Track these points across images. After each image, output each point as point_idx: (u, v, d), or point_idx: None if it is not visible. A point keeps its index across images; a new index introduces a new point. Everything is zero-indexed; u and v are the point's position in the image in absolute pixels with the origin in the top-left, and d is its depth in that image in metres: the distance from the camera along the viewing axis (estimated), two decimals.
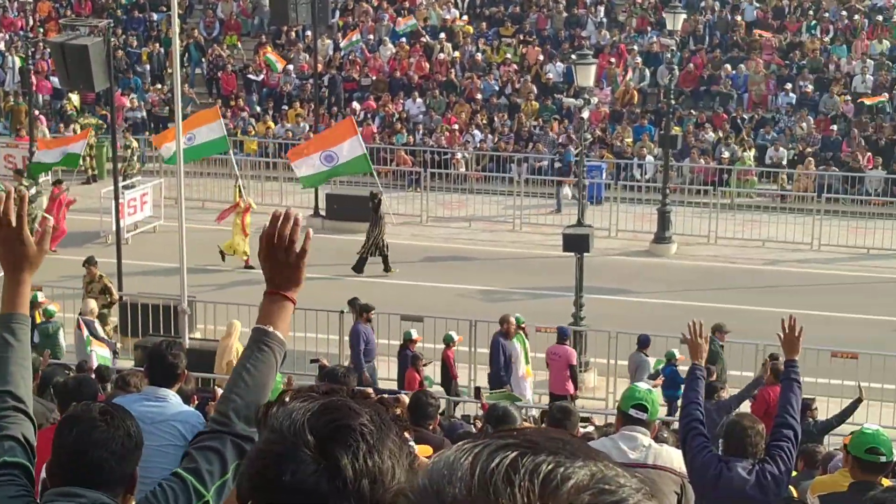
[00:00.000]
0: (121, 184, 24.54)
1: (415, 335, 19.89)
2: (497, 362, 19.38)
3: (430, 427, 10.33)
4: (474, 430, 13.81)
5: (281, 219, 3.55)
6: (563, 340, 19.67)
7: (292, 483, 2.06)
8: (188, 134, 26.53)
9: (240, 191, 27.66)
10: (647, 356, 19.25)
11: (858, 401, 16.50)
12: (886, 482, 7.42)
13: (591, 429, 13.89)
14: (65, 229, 27.66)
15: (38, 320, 19.72)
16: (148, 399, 7.91)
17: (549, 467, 1.28)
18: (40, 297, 20.37)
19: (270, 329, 3.69)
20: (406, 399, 13.01)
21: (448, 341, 19.86)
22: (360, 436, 2.08)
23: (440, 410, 12.68)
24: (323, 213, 30.87)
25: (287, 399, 2.18)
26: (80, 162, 31.97)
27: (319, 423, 2.09)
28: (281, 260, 3.57)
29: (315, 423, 2.09)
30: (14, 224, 3.68)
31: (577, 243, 22.39)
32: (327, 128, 31.51)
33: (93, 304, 20.35)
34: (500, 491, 1.26)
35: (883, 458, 7.29)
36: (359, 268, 26.80)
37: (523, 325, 20.13)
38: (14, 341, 3.81)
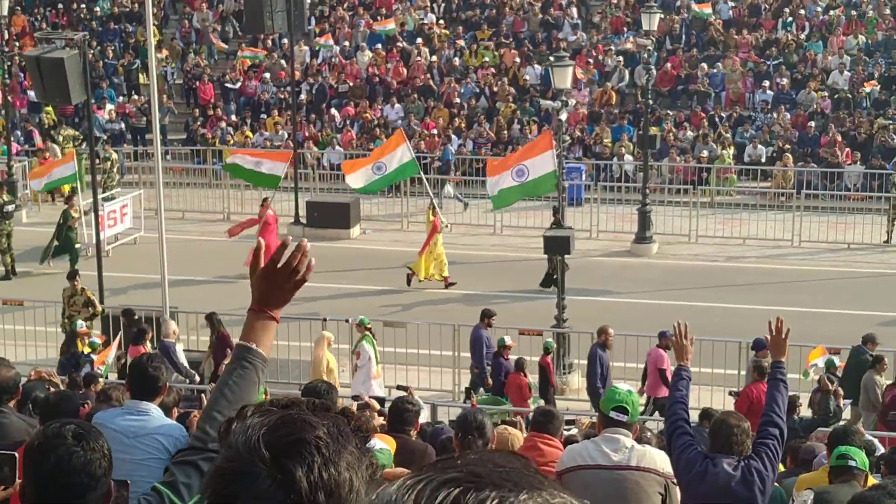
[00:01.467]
0: (100, 196, 24.44)
1: (508, 341, 19.67)
2: (594, 374, 19.11)
3: (411, 433, 10.29)
4: None
5: (295, 250, 3.62)
6: (659, 343, 19.37)
7: (248, 498, 2.07)
8: (377, 163, 26.18)
9: (434, 210, 26.78)
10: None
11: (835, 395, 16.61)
12: (872, 480, 7.45)
13: (574, 431, 13.87)
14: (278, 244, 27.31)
15: (81, 349, 19.43)
16: (130, 413, 7.87)
17: (493, 503, 1.24)
18: (80, 325, 20.00)
19: (254, 346, 3.70)
20: (375, 403, 13.08)
21: (548, 348, 19.69)
22: (316, 448, 2.08)
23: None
24: (303, 220, 30.83)
25: (247, 414, 2.18)
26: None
27: (274, 437, 2.09)
28: (278, 284, 3.60)
29: (270, 437, 2.09)
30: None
31: (557, 245, 22.39)
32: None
33: (174, 326, 19.89)
34: None
35: (852, 463, 7.39)
36: (547, 283, 25.60)
37: (369, 326, 20.10)
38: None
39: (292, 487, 2.05)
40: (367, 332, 20.02)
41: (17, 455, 3.91)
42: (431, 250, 26.02)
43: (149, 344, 19.51)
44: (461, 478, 1.27)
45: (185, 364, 19.45)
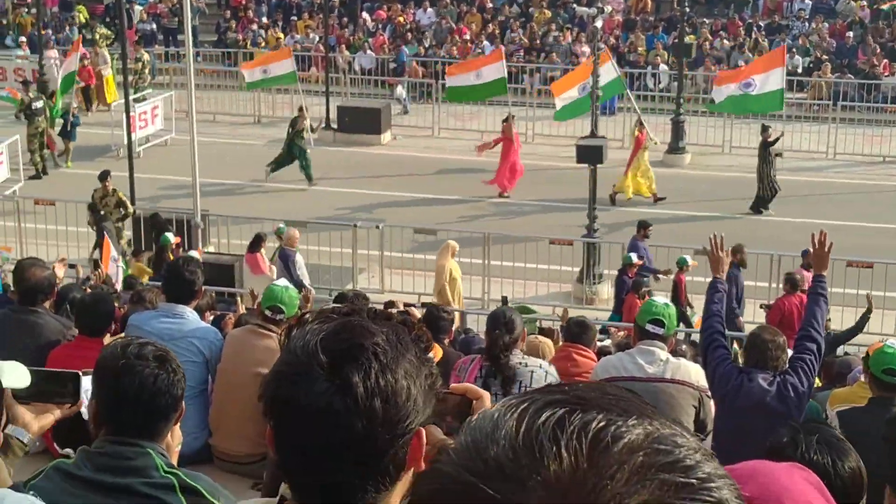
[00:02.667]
0: (132, 97, 24.36)
1: (635, 259, 19.28)
2: (728, 293, 18.44)
3: (445, 341, 10.32)
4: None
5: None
6: (802, 262, 18.34)
7: (305, 402, 2.07)
8: (583, 84, 24.14)
9: (642, 125, 25.82)
10: None
11: (868, 312, 16.48)
12: None
13: (608, 342, 13.87)
14: (519, 166, 26.12)
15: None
16: (165, 316, 7.91)
17: (600, 425, 1.20)
18: (171, 238, 19.48)
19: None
20: (415, 311, 13.03)
21: (682, 264, 19.13)
22: (373, 355, 2.09)
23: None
24: (334, 125, 30.68)
25: (307, 320, 2.18)
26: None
27: (332, 342, 2.10)
28: None
29: (328, 343, 2.10)
30: None
31: (590, 154, 22.19)
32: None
33: (296, 233, 19.42)
34: (545, 450, 1.19)
35: None
36: (757, 207, 25.01)
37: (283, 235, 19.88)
38: None
39: (348, 392, 2.06)
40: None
41: (80, 373, 3.92)
42: (637, 166, 25.48)
43: (263, 251, 19.58)
44: (567, 400, 1.24)
45: (305, 274, 19.18)
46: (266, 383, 2.16)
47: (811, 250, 7.79)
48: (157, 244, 19.69)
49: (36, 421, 3.92)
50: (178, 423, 3.91)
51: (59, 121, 28.34)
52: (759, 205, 24.99)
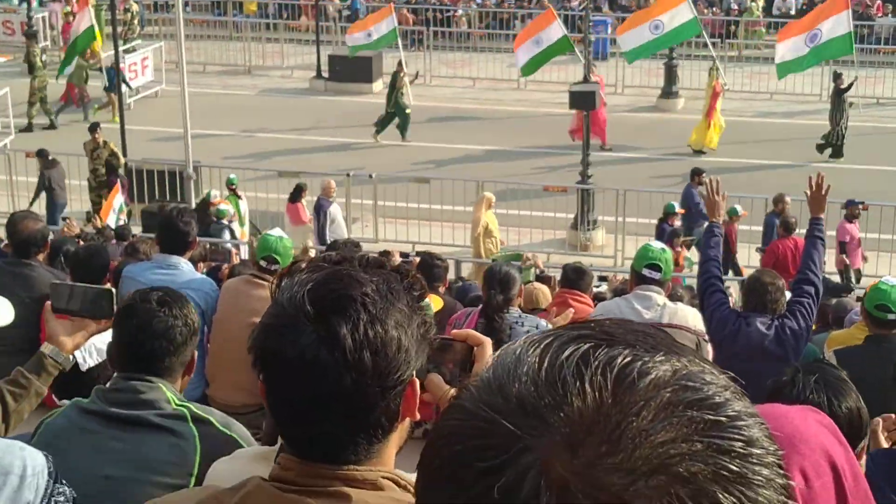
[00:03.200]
0: (121, 48, 24.16)
1: (677, 208, 19.06)
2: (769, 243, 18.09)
3: (439, 289, 10.30)
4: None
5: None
6: (845, 213, 18.32)
7: (292, 354, 2.03)
8: (654, 21, 23.29)
9: (718, 72, 25.45)
10: None
11: (848, 270, 16.51)
12: None
13: (604, 287, 13.86)
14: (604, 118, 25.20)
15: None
16: (159, 267, 7.87)
17: (626, 361, 1.16)
18: (215, 195, 19.29)
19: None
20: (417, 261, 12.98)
21: (732, 214, 18.62)
22: (361, 305, 2.04)
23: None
24: (325, 74, 30.51)
25: (297, 270, 2.14)
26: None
27: (319, 293, 2.05)
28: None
29: (315, 294, 2.05)
30: None
31: (583, 100, 22.08)
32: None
33: (330, 182, 19.36)
34: (569, 386, 1.15)
35: (891, 316, 7.20)
36: (821, 149, 24.85)
37: (234, 187, 19.81)
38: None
39: (336, 344, 2.01)
40: (232, 193, 19.81)
41: (114, 291, 4.02)
42: (716, 118, 25.11)
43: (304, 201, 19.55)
44: (592, 335, 1.21)
45: (341, 224, 19.03)
46: (255, 336, 2.13)
47: (808, 193, 7.75)
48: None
49: (70, 339, 4.01)
50: (189, 375, 4.00)
51: (97, 73, 28.09)
52: (825, 149, 24.72)
